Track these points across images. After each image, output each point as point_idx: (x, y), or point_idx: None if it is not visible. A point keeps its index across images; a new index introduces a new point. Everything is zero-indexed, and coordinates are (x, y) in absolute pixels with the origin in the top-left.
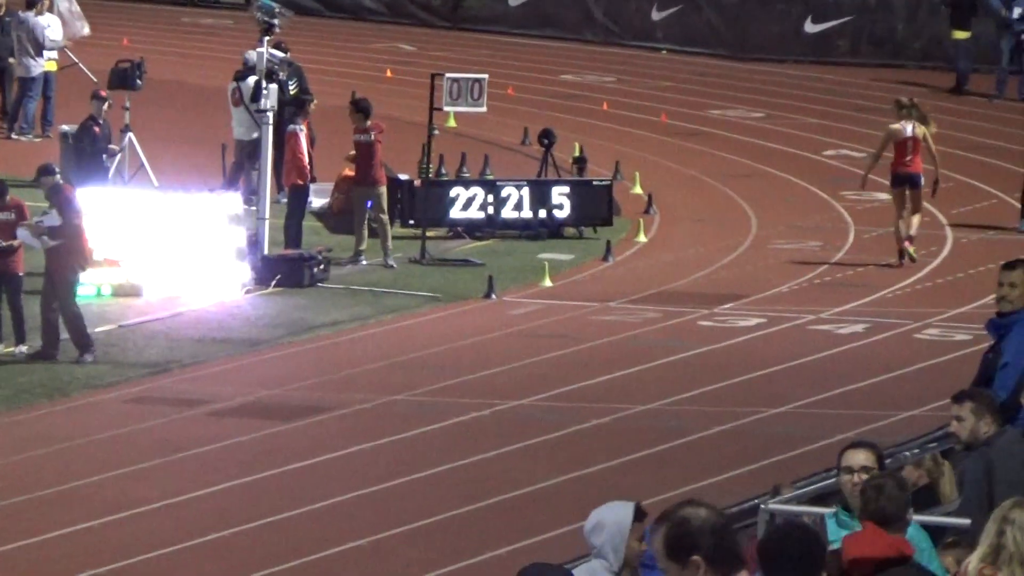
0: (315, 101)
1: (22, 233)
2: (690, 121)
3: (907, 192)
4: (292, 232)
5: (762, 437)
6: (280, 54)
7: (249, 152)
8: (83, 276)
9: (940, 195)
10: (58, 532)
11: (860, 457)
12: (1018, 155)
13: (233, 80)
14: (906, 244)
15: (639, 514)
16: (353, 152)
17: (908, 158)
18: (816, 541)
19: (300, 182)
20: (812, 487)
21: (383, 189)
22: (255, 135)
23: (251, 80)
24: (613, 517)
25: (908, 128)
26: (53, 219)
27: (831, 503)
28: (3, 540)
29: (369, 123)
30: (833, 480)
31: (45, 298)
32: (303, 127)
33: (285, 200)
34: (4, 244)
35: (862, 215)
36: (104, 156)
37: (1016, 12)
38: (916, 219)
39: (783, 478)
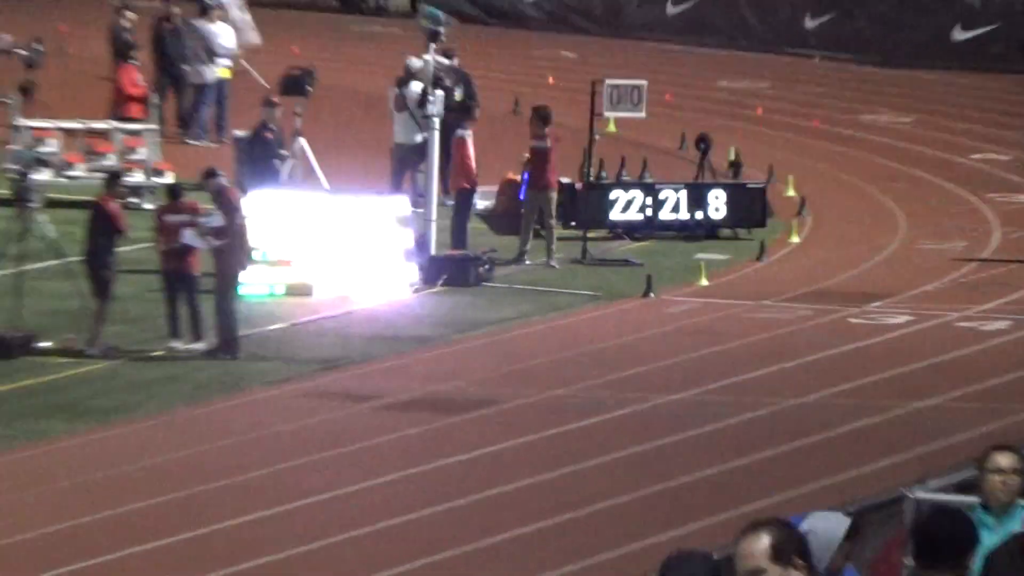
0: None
1: (188, 235)
2: (842, 126)
3: None
4: (458, 233)
5: (910, 429)
6: (446, 61)
7: (414, 155)
8: (250, 275)
9: None
10: (234, 521)
11: (1008, 460)
12: None
13: (395, 86)
14: None
15: (853, 531)
16: (528, 155)
17: None
18: (970, 525)
19: (467, 186)
20: (957, 478)
21: (554, 194)
22: (417, 139)
23: (414, 85)
24: (825, 527)
25: None
26: (216, 220)
27: (974, 494)
28: (180, 529)
29: (547, 130)
30: (976, 471)
31: (217, 296)
32: (470, 133)
33: (451, 203)
34: (177, 245)
35: (1007, 216)
36: (276, 160)
37: None
38: None
39: (929, 469)
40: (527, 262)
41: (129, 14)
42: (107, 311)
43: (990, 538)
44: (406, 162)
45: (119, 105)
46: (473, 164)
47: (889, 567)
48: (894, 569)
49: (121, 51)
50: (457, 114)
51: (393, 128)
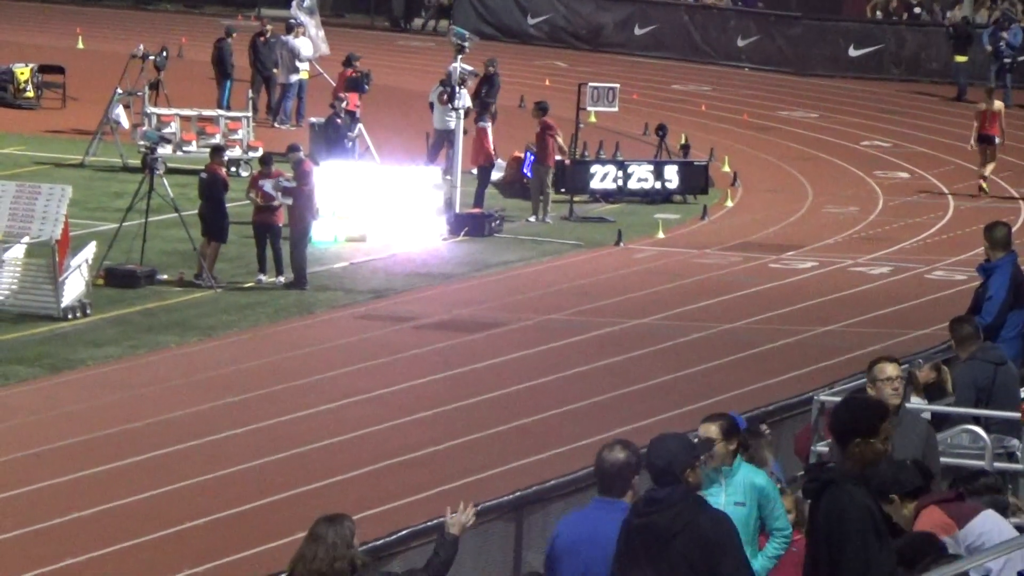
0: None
1: (267, 184)
2: (765, 119)
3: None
4: (478, 197)
5: (815, 348)
6: (470, 68)
7: (447, 138)
8: (317, 227)
9: (945, 174)
10: (305, 412)
11: (714, 430)
12: (998, 146)
13: (440, 85)
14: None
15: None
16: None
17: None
18: (874, 405)
19: (484, 163)
20: (853, 384)
21: (552, 169)
22: (451, 125)
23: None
24: None
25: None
26: (290, 183)
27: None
28: (264, 418)
29: (550, 121)
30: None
31: (292, 242)
32: (489, 124)
33: (474, 173)
34: (275, 203)
35: (888, 188)
36: (345, 140)
37: (1001, 44)
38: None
39: (831, 378)
40: (532, 220)
41: (232, 32)
42: (218, 251)
43: (718, 494)
44: (440, 142)
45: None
46: (491, 147)
47: (803, 443)
48: (806, 444)
49: (348, 60)
50: (480, 110)
51: (433, 116)
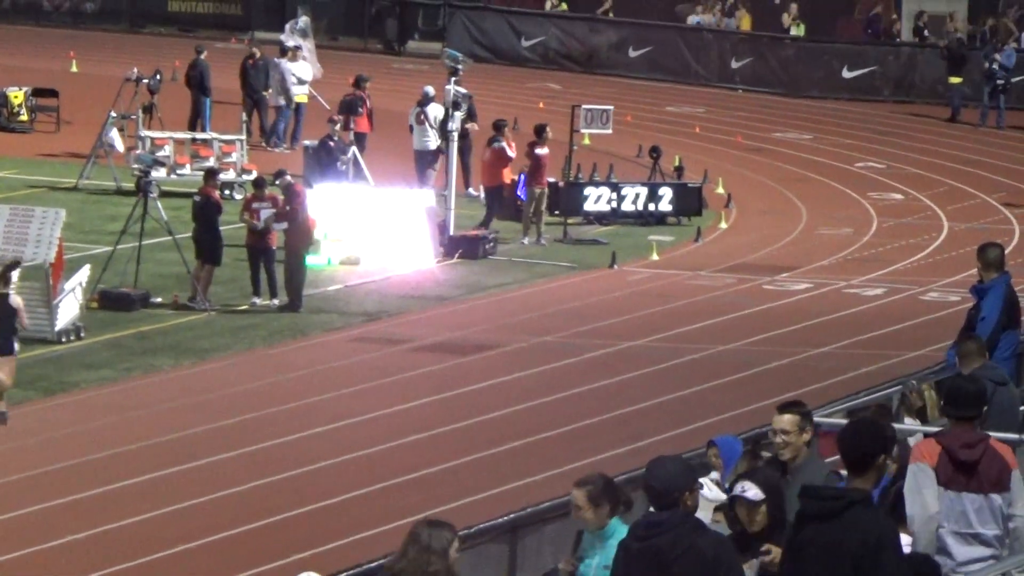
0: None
1: (263, 212)
2: (758, 141)
3: None
4: (487, 218)
5: (809, 369)
6: (463, 90)
7: (428, 158)
8: (313, 249)
9: (939, 195)
10: (299, 434)
11: (579, 495)
12: (992, 167)
13: (417, 106)
14: None
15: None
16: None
17: None
18: (881, 430)
19: (491, 185)
20: (846, 406)
21: (545, 189)
22: (429, 146)
23: (434, 107)
24: None
25: None
26: (281, 209)
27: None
28: (259, 440)
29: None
30: (876, 396)
31: (286, 265)
32: (504, 143)
33: (475, 194)
34: (260, 224)
35: (882, 210)
36: (338, 163)
37: (995, 66)
38: None
39: (825, 400)
40: (525, 241)
41: (202, 51)
42: (212, 274)
43: (602, 554)
44: (423, 163)
45: (353, 119)
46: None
47: None
48: None
49: (358, 82)
50: (495, 132)
51: (412, 138)
